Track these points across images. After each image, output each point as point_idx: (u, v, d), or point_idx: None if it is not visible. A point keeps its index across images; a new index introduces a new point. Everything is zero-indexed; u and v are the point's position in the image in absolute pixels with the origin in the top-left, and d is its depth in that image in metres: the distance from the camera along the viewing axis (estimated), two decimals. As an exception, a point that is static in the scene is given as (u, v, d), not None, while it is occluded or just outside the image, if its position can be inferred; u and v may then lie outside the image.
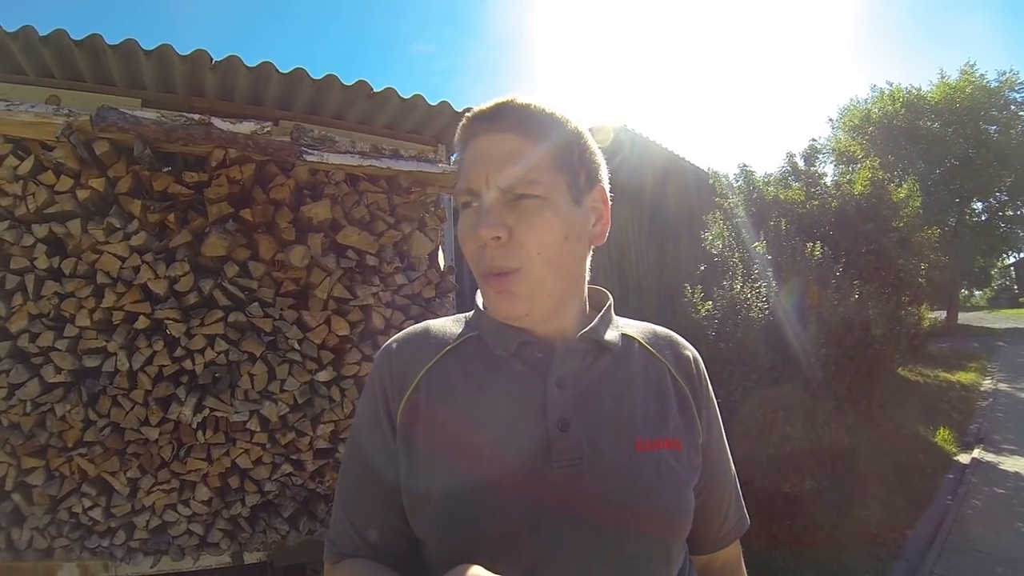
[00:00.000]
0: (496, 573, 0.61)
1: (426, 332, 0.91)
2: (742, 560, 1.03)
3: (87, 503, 2.59)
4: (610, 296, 0.95)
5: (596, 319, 0.88)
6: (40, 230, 2.50)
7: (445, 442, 0.80)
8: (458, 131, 0.84)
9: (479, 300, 0.93)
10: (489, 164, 0.77)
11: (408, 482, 0.80)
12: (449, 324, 0.93)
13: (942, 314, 19.10)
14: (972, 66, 19.38)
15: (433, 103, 3.55)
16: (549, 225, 0.78)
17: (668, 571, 0.83)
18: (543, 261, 0.78)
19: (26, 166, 2.48)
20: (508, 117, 0.79)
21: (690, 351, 0.96)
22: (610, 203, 0.88)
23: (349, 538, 0.85)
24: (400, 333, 0.93)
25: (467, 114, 0.82)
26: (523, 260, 0.77)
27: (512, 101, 0.80)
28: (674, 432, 0.85)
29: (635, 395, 0.85)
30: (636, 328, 0.95)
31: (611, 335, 0.88)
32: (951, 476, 5.85)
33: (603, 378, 0.85)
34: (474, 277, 0.84)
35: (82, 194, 2.51)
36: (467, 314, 0.95)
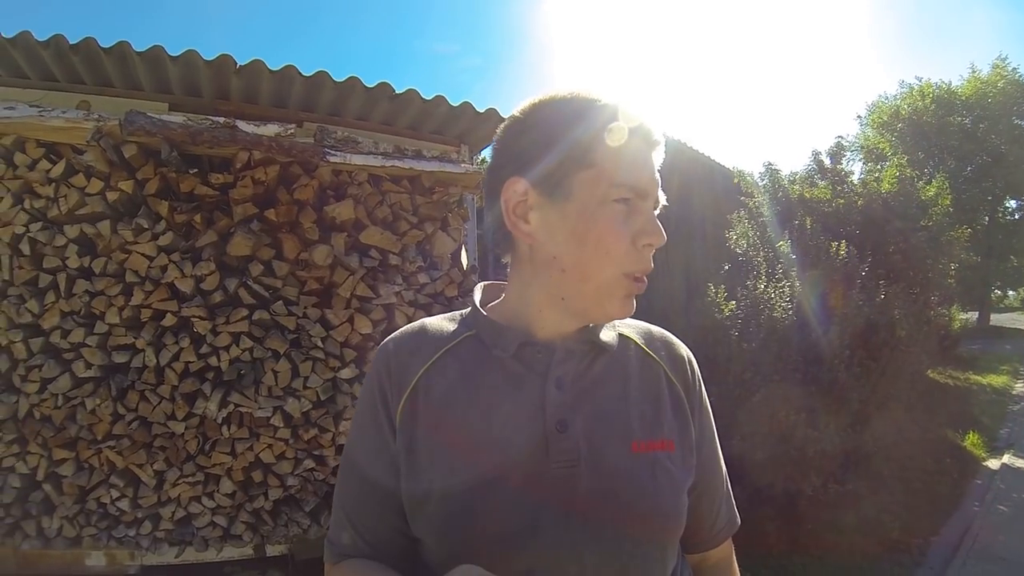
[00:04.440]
0: (495, 574, 0.62)
1: (423, 331, 0.91)
2: (734, 559, 1.03)
3: (115, 494, 2.68)
4: None
5: None
6: (71, 231, 2.58)
7: (444, 442, 0.80)
8: (596, 110, 0.80)
9: (476, 298, 0.93)
10: (656, 176, 0.83)
11: (408, 482, 0.81)
12: (445, 323, 0.92)
13: (974, 315, 18.70)
14: (1004, 60, 18.88)
15: (455, 104, 3.57)
16: None
17: (663, 571, 0.84)
18: None
19: (58, 169, 2.56)
20: (660, 134, 0.85)
21: (684, 350, 0.96)
22: None
23: (349, 538, 0.85)
24: (396, 332, 0.93)
25: (609, 102, 0.81)
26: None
27: (652, 113, 0.84)
28: (668, 433, 0.85)
29: (631, 396, 0.86)
30: (632, 327, 0.95)
31: (608, 335, 0.89)
32: (979, 482, 5.73)
33: (601, 379, 0.86)
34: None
35: (112, 196, 2.58)
36: (462, 312, 0.95)
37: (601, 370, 0.86)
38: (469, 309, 0.93)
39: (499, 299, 0.93)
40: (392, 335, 0.92)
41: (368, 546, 0.85)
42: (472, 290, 2.95)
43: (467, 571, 0.63)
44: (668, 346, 0.95)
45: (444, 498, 0.78)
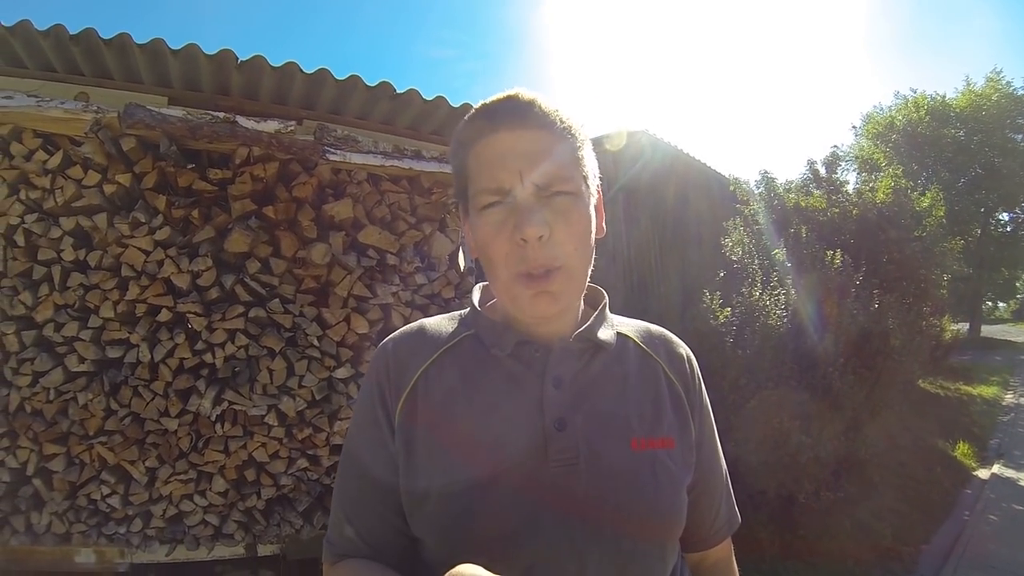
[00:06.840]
0: (494, 573, 0.62)
1: (422, 331, 0.91)
2: (733, 558, 1.03)
3: (106, 490, 2.65)
4: (605, 294, 0.95)
5: (592, 318, 0.88)
6: (67, 223, 2.56)
7: (443, 442, 0.80)
8: (464, 127, 0.81)
9: (475, 298, 0.93)
10: (521, 161, 0.75)
11: (407, 481, 0.80)
12: (444, 323, 0.93)
13: (965, 326, 18.81)
14: (998, 73, 19.03)
15: (455, 105, 3.56)
16: (582, 221, 0.78)
17: (663, 569, 0.84)
18: (579, 257, 0.79)
19: (55, 160, 2.54)
20: (532, 114, 0.77)
21: (684, 349, 0.96)
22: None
23: (348, 538, 0.85)
24: (395, 332, 0.93)
25: (477, 110, 0.80)
26: (564, 257, 0.77)
27: (521, 97, 0.78)
28: (668, 431, 0.85)
29: (630, 394, 0.85)
30: (631, 327, 0.95)
31: (606, 334, 0.88)
32: (969, 491, 5.76)
33: (599, 378, 0.85)
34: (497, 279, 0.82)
35: (109, 189, 2.56)
36: (461, 312, 0.95)
37: (599, 369, 0.86)
38: (468, 309, 0.93)
39: (497, 299, 0.93)
40: (391, 335, 0.92)
41: (367, 546, 0.84)
42: (470, 291, 2.95)
43: (466, 570, 0.62)
44: (667, 345, 0.95)
45: (443, 497, 0.77)
